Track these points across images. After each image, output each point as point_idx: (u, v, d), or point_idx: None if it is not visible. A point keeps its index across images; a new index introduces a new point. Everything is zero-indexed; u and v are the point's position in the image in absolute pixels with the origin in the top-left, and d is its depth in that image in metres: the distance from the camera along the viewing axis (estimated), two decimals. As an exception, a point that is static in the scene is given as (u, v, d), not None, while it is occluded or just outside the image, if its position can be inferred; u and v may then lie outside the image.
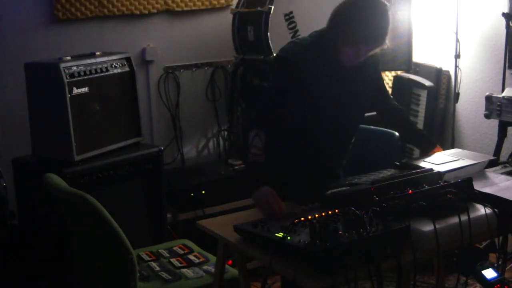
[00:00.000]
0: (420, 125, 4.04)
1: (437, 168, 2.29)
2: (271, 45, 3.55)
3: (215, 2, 4.00)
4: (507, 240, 3.25)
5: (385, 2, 2.30)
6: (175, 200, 3.55)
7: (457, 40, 3.91)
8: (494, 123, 3.48)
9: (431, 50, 4.25)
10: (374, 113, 2.70)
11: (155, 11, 3.83)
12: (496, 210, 2.05)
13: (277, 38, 3.53)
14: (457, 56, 3.93)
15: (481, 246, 3.23)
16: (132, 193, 3.27)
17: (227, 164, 3.87)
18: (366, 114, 2.60)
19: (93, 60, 3.09)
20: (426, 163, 2.38)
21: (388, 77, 4.41)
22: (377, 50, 2.37)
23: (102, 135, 3.15)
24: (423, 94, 4.11)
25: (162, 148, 3.37)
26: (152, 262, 2.77)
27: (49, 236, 3.06)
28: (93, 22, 3.67)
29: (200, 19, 4.01)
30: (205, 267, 2.72)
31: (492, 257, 3.34)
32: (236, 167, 3.79)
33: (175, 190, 3.56)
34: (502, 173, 2.38)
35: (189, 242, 2.99)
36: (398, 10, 3.90)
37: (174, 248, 2.92)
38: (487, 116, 3.33)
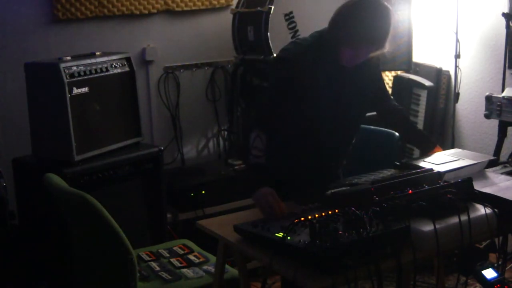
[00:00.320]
0: (420, 125, 4.04)
1: (437, 168, 2.29)
2: (271, 45, 3.55)
3: (215, 2, 4.00)
4: (507, 240, 3.25)
5: (388, 5, 2.30)
6: (175, 200, 3.55)
7: (457, 40, 3.91)
8: (494, 123, 3.48)
9: (431, 50, 4.25)
10: (374, 113, 2.70)
11: (155, 11, 3.83)
12: (496, 210, 2.05)
13: (277, 38, 3.54)
14: (457, 56, 3.93)
15: (481, 246, 3.23)
16: (132, 193, 3.27)
17: (227, 164, 3.87)
18: (366, 114, 2.60)
19: (93, 60, 3.09)
20: (426, 163, 2.38)
21: (388, 77, 4.41)
22: (378, 53, 2.36)
23: (102, 135, 3.15)
24: (423, 94, 4.11)
25: (162, 148, 3.37)
26: (152, 262, 2.77)
27: (49, 236, 3.06)
28: (93, 22, 3.67)
29: (200, 19, 4.01)
30: (205, 267, 2.72)
31: (492, 257, 3.35)
32: (236, 167, 3.79)
33: (175, 190, 3.56)
34: (502, 173, 2.38)
35: (189, 242, 2.99)
36: (398, 10, 3.90)
37: (174, 248, 2.92)
38: (487, 116, 3.33)
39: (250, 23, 3.71)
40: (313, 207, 2.10)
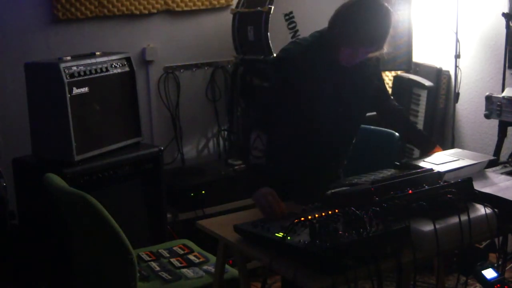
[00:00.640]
0: (420, 125, 4.04)
1: (437, 168, 2.29)
2: (271, 45, 3.55)
3: (215, 2, 4.00)
4: (507, 240, 3.25)
5: (387, 5, 2.29)
6: (175, 200, 3.55)
7: (457, 40, 3.91)
8: (494, 123, 3.48)
9: (431, 50, 4.25)
10: (374, 113, 2.70)
11: (155, 11, 3.83)
12: (496, 210, 2.05)
13: (277, 38, 3.54)
14: (457, 56, 3.93)
15: (481, 246, 3.23)
16: (132, 193, 3.27)
17: (227, 164, 3.87)
18: (366, 114, 2.60)
19: (93, 60, 3.09)
20: (426, 163, 2.38)
21: (388, 77, 4.41)
22: (377, 54, 2.36)
23: (102, 135, 3.15)
24: (423, 94, 4.11)
25: (162, 148, 3.37)
26: (152, 262, 2.77)
27: (49, 236, 3.06)
28: (93, 22, 3.67)
29: (200, 19, 4.01)
30: (205, 267, 2.72)
31: (492, 257, 3.35)
32: (236, 167, 3.79)
33: (175, 190, 3.56)
34: (502, 173, 2.38)
35: (189, 242, 2.99)
36: (398, 10, 3.90)
37: (174, 248, 2.92)
38: (487, 116, 3.33)
39: (250, 23, 3.71)
40: (313, 207, 2.10)
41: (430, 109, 4.07)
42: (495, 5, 3.76)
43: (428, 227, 1.90)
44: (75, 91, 2.97)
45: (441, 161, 2.40)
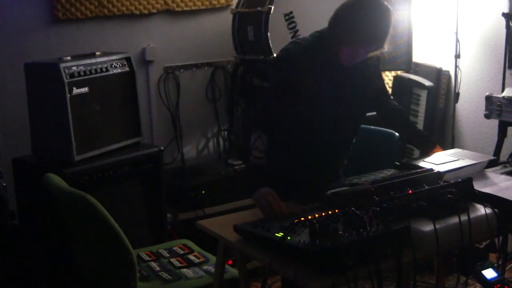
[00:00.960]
0: (420, 125, 4.04)
1: (437, 168, 2.29)
2: (271, 45, 3.55)
3: (215, 2, 4.00)
4: (507, 240, 3.25)
5: (387, 5, 2.29)
6: (175, 200, 3.55)
7: (457, 40, 3.91)
8: (494, 123, 3.48)
9: (431, 50, 4.25)
10: (374, 113, 2.70)
11: (155, 11, 3.83)
12: (496, 210, 2.05)
13: (277, 38, 3.54)
14: (457, 56, 3.93)
15: (481, 246, 3.23)
16: (132, 193, 3.27)
17: (227, 164, 3.87)
18: (366, 114, 2.60)
19: (93, 60, 3.09)
20: (426, 163, 2.38)
21: (388, 77, 4.41)
22: (377, 53, 2.36)
23: (102, 135, 3.15)
24: (423, 94, 4.11)
25: (162, 148, 3.37)
26: (152, 262, 2.77)
27: (49, 236, 3.06)
28: (93, 22, 3.67)
29: (200, 19, 4.01)
30: (205, 267, 2.72)
31: (492, 257, 3.35)
32: (236, 167, 3.79)
33: (175, 190, 3.56)
34: (502, 173, 2.38)
35: (189, 242, 2.99)
36: (398, 10, 3.90)
37: (174, 248, 2.92)
38: (487, 116, 3.33)
39: (250, 23, 3.71)
40: (313, 207, 2.10)
41: (430, 109, 4.07)
42: (495, 5, 3.76)
43: (428, 227, 1.90)
44: (75, 91, 2.97)
45: (441, 161, 2.40)
